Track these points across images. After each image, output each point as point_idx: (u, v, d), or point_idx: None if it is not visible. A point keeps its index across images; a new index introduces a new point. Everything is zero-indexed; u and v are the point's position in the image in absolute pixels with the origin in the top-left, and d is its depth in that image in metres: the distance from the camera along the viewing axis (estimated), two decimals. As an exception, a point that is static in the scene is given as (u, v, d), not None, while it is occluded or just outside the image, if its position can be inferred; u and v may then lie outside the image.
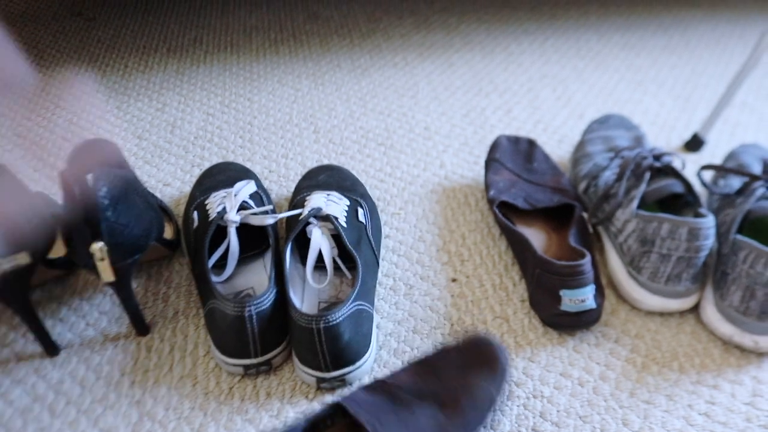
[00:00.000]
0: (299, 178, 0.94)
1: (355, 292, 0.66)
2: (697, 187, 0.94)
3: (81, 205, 0.61)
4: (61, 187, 0.62)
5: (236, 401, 0.67)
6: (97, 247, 0.62)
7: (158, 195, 0.93)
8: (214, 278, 0.74)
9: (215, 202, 0.76)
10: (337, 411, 0.60)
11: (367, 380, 0.69)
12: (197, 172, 0.97)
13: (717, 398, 0.68)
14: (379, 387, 0.62)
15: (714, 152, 1.04)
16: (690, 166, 1.00)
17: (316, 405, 0.66)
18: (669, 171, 0.79)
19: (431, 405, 0.60)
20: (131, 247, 0.65)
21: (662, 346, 0.73)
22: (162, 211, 0.83)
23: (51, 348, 0.71)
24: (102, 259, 0.62)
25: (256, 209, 0.74)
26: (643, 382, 0.69)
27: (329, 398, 0.67)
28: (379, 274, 0.80)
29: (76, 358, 0.71)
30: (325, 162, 0.99)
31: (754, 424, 0.66)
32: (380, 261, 0.82)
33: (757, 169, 0.86)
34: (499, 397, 0.63)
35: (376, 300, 0.77)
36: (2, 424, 0.65)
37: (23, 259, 0.63)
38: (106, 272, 0.64)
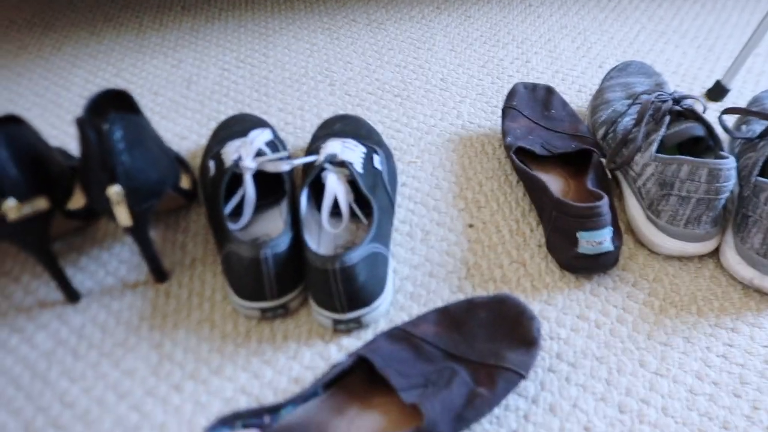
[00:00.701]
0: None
1: (371, 234, 0.66)
2: (719, 133, 0.92)
3: (97, 150, 0.61)
4: (78, 133, 0.63)
5: (253, 344, 0.68)
6: (114, 190, 0.62)
7: (175, 148, 0.93)
8: (231, 225, 0.74)
9: (231, 151, 0.76)
10: (359, 361, 0.61)
11: (383, 324, 0.69)
12: (213, 126, 0.97)
13: (735, 341, 0.68)
14: (402, 337, 0.62)
15: (737, 101, 1.01)
16: (712, 114, 0.98)
17: (332, 347, 0.67)
18: (690, 115, 0.78)
19: (461, 371, 0.59)
20: (148, 191, 0.65)
21: (681, 290, 0.72)
22: (179, 163, 0.84)
23: (72, 295, 0.72)
24: (119, 203, 0.63)
25: (272, 156, 0.74)
26: (661, 324, 0.69)
27: (345, 340, 0.68)
28: (396, 221, 0.80)
29: (97, 304, 0.73)
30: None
31: (773, 366, 0.66)
32: (396, 208, 0.82)
33: (780, 113, 0.84)
34: (528, 376, 0.62)
35: (392, 246, 0.77)
36: (28, 366, 0.67)
37: (42, 203, 0.64)
38: (124, 216, 0.64)
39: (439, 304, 0.71)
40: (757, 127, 0.84)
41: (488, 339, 0.62)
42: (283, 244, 0.66)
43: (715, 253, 0.76)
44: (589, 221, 0.68)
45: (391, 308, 0.71)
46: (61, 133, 0.97)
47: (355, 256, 0.63)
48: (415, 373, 0.59)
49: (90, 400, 0.64)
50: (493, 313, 0.64)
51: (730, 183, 0.70)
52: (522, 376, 0.60)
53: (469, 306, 0.65)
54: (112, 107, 0.76)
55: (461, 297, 0.72)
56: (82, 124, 0.61)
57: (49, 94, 1.06)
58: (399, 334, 0.63)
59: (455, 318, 0.64)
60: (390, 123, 0.96)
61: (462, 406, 0.57)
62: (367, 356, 0.59)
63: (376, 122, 0.97)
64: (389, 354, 0.60)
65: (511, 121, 0.87)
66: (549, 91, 0.92)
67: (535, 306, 0.70)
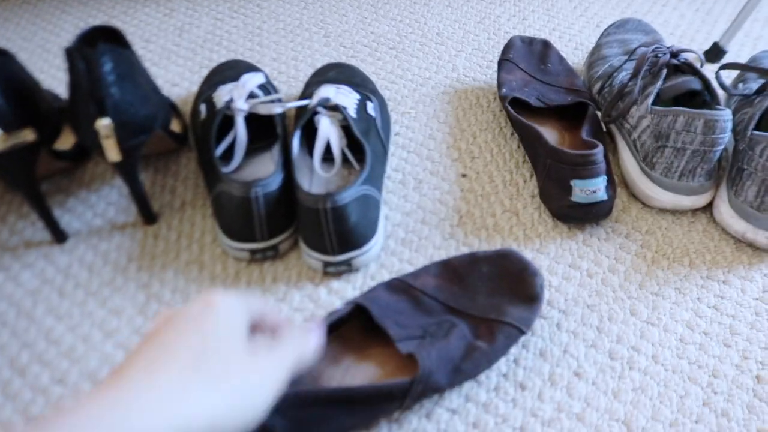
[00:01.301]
0: (309, 79, 0.93)
1: (363, 175, 0.65)
2: (716, 89, 0.91)
3: (86, 81, 0.60)
4: (67, 64, 0.61)
5: (242, 285, 0.67)
6: (103, 123, 0.61)
7: (166, 95, 0.92)
8: (222, 168, 0.73)
9: (223, 94, 0.75)
10: (356, 309, 0.60)
11: (373, 268, 0.68)
12: (205, 74, 0.95)
13: (726, 293, 0.68)
14: (401, 288, 0.62)
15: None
16: (709, 75, 0.97)
17: (322, 290, 0.66)
18: (687, 69, 0.77)
19: (461, 324, 0.58)
20: (137, 126, 0.64)
21: (673, 243, 0.72)
22: (169, 106, 0.82)
23: (59, 235, 0.71)
24: (108, 137, 0.62)
25: (264, 98, 0.72)
26: (653, 275, 0.69)
27: (335, 283, 0.67)
28: (389, 169, 0.79)
29: (84, 245, 0.72)
30: (336, 65, 0.97)
31: (762, 318, 0.66)
32: (389, 156, 0.81)
33: (778, 71, 0.84)
34: (528, 332, 0.62)
35: (384, 193, 0.76)
36: (13, 303, 0.66)
37: (29, 135, 0.63)
38: (112, 151, 0.63)
39: (431, 250, 0.70)
40: (754, 85, 0.84)
41: (490, 294, 0.61)
42: (274, 183, 0.65)
43: (709, 208, 0.76)
44: (584, 169, 0.68)
45: (383, 253, 0.70)
46: (48, 77, 0.96)
47: (346, 196, 0.62)
48: (413, 325, 0.58)
49: (76, 338, 0.63)
50: (495, 267, 0.63)
51: (725, 135, 0.70)
52: (522, 332, 0.59)
53: (472, 259, 0.64)
54: (103, 40, 0.75)
55: (453, 243, 0.71)
56: (71, 53, 0.60)
57: (37, 38, 1.04)
58: (398, 285, 0.62)
59: (457, 271, 0.63)
60: (384, 74, 0.95)
61: (460, 359, 0.56)
62: (364, 305, 0.58)
63: (371, 73, 0.95)
64: (387, 304, 0.59)
65: (506, 73, 0.86)
66: (546, 45, 0.91)
67: (527, 254, 0.70)
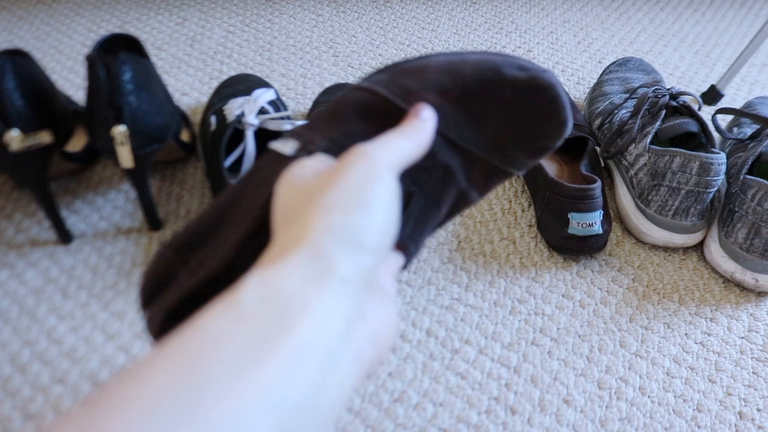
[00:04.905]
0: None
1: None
2: (711, 132, 0.94)
3: (105, 88, 0.62)
4: (87, 70, 0.63)
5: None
6: (119, 130, 0.62)
7: (176, 104, 0.93)
8: (230, 180, 0.74)
9: (234, 108, 0.76)
10: None
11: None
12: (215, 85, 0.97)
13: (713, 330, 0.70)
14: (383, 111, 0.42)
15: (730, 106, 1.04)
16: (706, 117, 1.00)
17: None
18: (685, 111, 0.80)
19: (457, 168, 0.44)
20: (152, 135, 0.66)
21: (664, 279, 0.74)
22: (180, 117, 0.84)
23: (65, 236, 0.73)
24: (122, 144, 0.63)
25: (275, 114, 0.74)
26: (643, 309, 0.71)
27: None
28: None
29: (89, 247, 0.73)
30: (343, 85, 0.99)
31: (747, 356, 0.68)
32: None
33: (772, 118, 0.86)
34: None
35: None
36: (16, 301, 0.67)
37: (45, 137, 0.64)
38: (126, 158, 0.64)
39: (429, 273, 0.72)
40: (748, 130, 0.86)
41: (501, 126, 0.44)
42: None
43: (700, 246, 0.78)
44: (581, 203, 0.70)
45: (382, 273, 0.72)
46: (60, 78, 0.97)
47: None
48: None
49: (77, 339, 0.64)
50: (522, 100, 0.43)
51: (719, 177, 0.72)
52: (512, 176, 0.47)
53: (495, 78, 0.42)
54: (121, 50, 0.76)
55: (451, 267, 0.73)
56: (92, 60, 0.62)
57: (51, 39, 1.06)
58: (379, 106, 0.41)
59: (469, 90, 0.43)
60: (391, 97, 0.97)
61: (446, 214, 0.45)
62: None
63: (377, 95, 0.97)
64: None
65: (511, 104, 0.88)
66: (550, 78, 0.94)
67: (522, 282, 0.72)
